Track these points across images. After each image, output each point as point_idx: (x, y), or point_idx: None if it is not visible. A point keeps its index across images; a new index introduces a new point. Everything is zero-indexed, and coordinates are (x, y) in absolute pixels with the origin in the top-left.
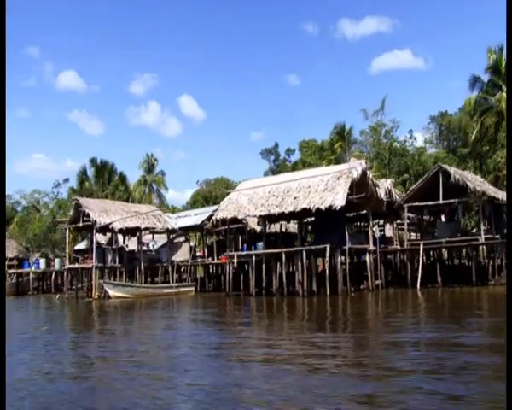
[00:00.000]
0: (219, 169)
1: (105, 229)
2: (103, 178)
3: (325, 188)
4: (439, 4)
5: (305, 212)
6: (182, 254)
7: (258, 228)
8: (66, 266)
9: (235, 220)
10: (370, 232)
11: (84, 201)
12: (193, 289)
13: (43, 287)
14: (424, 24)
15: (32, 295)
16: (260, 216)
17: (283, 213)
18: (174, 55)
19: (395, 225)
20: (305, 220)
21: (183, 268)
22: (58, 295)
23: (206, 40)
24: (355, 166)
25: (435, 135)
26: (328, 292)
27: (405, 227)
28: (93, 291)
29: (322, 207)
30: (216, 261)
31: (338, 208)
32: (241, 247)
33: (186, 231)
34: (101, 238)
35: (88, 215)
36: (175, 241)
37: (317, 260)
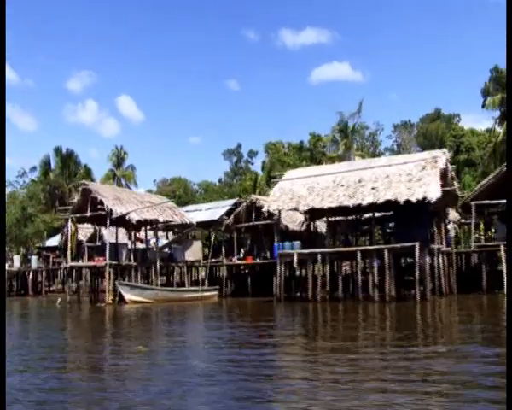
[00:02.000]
0: (160, 170)
1: (119, 221)
2: (69, 170)
3: (410, 178)
4: (377, 21)
5: (385, 205)
6: (192, 254)
7: (291, 226)
8: (68, 264)
9: (260, 216)
10: (443, 231)
11: (94, 186)
12: (217, 293)
13: (17, 288)
14: (363, 39)
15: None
16: (330, 209)
17: (360, 205)
18: (113, 55)
19: (453, 225)
20: (363, 216)
21: (196, 269)
22: (59, 300)
23: (147, 41)
24: (438, 156)
25: (396, 144)
26: (418, 297)
27: (472, 226)
28: (106, 295)
29: (413, 200)
30: (238, 262)
31: (433, 201)
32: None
33: (200, 227)
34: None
35: (100, 203)
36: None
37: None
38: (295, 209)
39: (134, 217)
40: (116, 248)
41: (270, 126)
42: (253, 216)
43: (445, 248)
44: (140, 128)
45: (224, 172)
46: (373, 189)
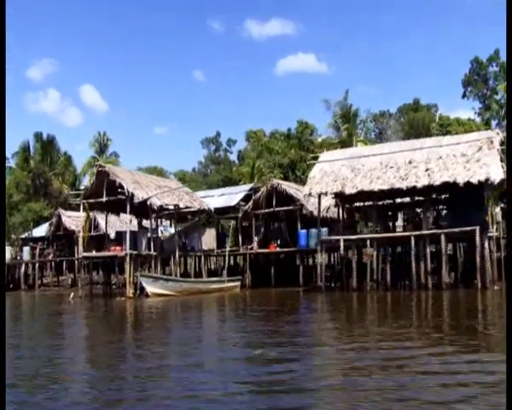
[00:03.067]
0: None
1: (139, 207)
2: (51, 157)
3: (467, 159)
4: (341, 13)
5: (441, 187)
6: (205, 242)
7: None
8: (80, 255)
9: (282, 202)
10: (490, 217)
11: (112, 168)
12: (239, 284)
13: (7, 282)
14: (327, 31)
15: None
16: (381, 191)
17: (414, 187)
18: (76, 43)
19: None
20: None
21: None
22: (72, 295)
23: (110, 30)
24: (493, 136)
25: (375, 133)
26: (479, 286)
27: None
28: (127, 288)
29: (474, 181)
30: (259, 250)
31: (496, 182)
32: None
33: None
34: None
35: (119, 187)
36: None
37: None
38: (341, 192)
39: (156, 202)
40: (135, 235)
41: (236, 117)
42: (274, 202)
43: (494, 234)
44: (104, 118)
45: (198, 161)
46: (427, 170)
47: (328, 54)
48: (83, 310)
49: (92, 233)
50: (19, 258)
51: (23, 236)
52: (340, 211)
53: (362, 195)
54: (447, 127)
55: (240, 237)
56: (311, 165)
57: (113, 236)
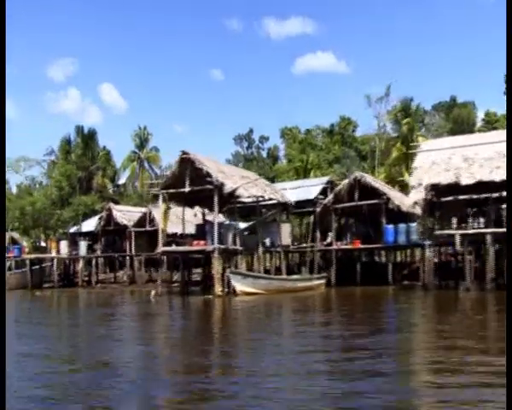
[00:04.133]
0: None
1: (226, 198)
2: (92, 151)
3: None
4: (361, 10)
5: None
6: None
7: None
8: (159, 249)
9: (365, 196)
10: None
11: (197, 156)
12: (324, 282)
13: (63, 278)
14: (347, 29)
15: (45, 289)
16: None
17: None
18: (95, 42)
19: None
20: None
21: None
22: (153, 293)
23: (129, 30)
24: None
25: None
26: None
27: None
28: (215, 285)
29: None
30: (344, 247)
31: None
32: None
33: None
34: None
35: (207, 176)
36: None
37: None
38: (456, 182)
39: (243, 193)
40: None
41: (255, 115)
42: (357, 195)
43: None
44: (123, 116)
45: (226, 159)
46: None
47: (348, 52)
48: (177, 310)
49: (147, 228)
50: (74, 253)
51: (72, 230)
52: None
53: (451, 188)
54: (494, 123)
55: (318, 233)
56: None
57: (190, 230)
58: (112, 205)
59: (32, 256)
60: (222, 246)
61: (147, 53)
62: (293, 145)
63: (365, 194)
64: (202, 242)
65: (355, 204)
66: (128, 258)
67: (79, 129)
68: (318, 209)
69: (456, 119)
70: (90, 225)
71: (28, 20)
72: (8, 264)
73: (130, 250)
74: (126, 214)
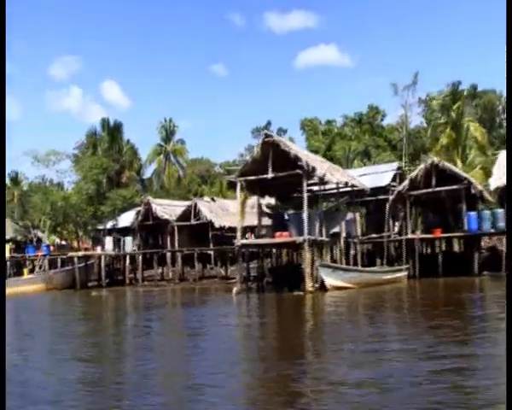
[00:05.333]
0: None
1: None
2: (120, 145)
3: None
4: (364, 2)
5: None
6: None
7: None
8: (239, 242)
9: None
10: None
11: (282, 139)
12: (406, 274)
13: (111, 276)
14: (350, 21)
15: (92, 289)
16: None
17: None
18: (97, 39)
19: None
20: None
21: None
22: (235, 289)
23: (131, 26)
24: None
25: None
26: None
27: None
28: (306, 281)
29: None
30: (423, 236)
31: None
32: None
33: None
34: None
35: (296, 160)
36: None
37: None
38: None
39: (331, 179)
40: (299, 217)
41: (258, 110)
42: (434, 181)
43: None
44: (126, 114)
45: (239, 153)
46: None
47: (351, 45)
48: (286, 311)
49: (192, 222)
50: (116, 250)
51: (108, 226)
52: None
53: None
54: None
55: (391, 222)
56: None
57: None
58: (151, 199)
59: (80, 254)
60: (311, 237)
61: (149, 50)
62: (314, 137)
63: (442, 180)
64: (285, 233)
65: (432, 190)
66: (177, 254)
67: (105, 121)
68: (391, 197)
69: (486, 106)
70: (123, 220)
71: (30, 19)
72: (40, 262)
73: (173, 245)
74: (167, 208)
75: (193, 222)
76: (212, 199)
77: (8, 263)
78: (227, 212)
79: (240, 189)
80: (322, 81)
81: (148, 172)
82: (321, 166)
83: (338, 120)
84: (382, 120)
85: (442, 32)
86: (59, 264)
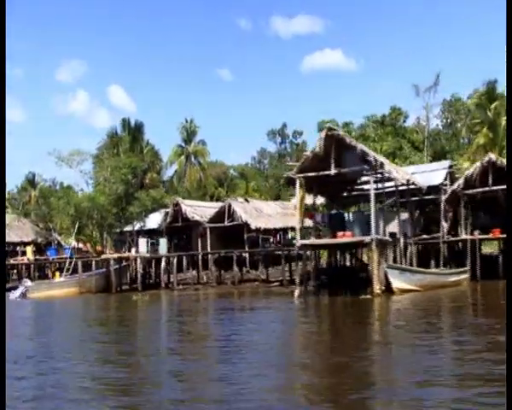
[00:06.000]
0: None
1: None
2: (141, 145)
3: None
4: (370, 7)
5: None
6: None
7: None
8: (298, 243)
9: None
10: None
11: (344, 134)
12: (468, 276)
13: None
14: (356, 25)
15: (128, 292)
16: None
17: None
18: (103, 43)
19: None
20: None
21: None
22: (297, 292)
23: (137, 31)
24: None
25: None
26: None
27: None
28: (374, 283)
29: None
30: (480, 236)
31: None
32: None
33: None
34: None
35: (363, 155)
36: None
37: None
38: None
39: (397, 176)
40: (362, 216)
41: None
42: (490, 180)
43: None
44: (132, 118)
45: (251, 156)
46: None
47: (357, 48)
48: (349, 317)
49: (226, 223)
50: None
51: (137, 227)
52: None
53: None
54: None
55: (443, 222)
56: None
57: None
58: (180, 199)
59: (115, 256)
60: (378, 236)
61: (155, 54)
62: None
63: (499, 178)
64: (348, 233)
65: (489, 189)
66: (211, 256)
67: (126, 121)
68: (445, 196)
69: None
70: (150, 221)
71: (36, 23)
72: (68, 265)
73: (204, 248)
74: (197, 209)
75: (227, 223)
76: (246, 200)
77: (31, 266)
78: (261, 213)
79: (299, 186)
80: (328, 85)
81: (168, 174)
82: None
83: (355, 122)
84: (405, 121)
85: (449, 34)
86: (93, 266)
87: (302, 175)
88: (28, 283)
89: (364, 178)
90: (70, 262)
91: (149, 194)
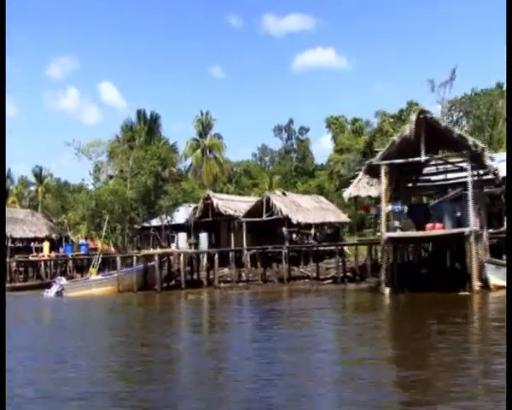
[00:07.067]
0: None
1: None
2: (156, 138)
3: None
4: (362, 6)
5: None
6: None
7: None
8: (384, 235)
9: None
10: None
11: (437, 117)
12: None
13: (190, 277)
14: (347, 24)
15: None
16: None
17: None
18: (94, 40)
19: None
20: None
21: None
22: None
23: (128, 27)
24: None
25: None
26: None
27: None
28: (473, 279)
29: None
30: None
31: None
32: None
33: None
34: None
35: (459, 140)
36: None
37: None
38: None
39: (492, 164)
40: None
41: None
42: None
43: None
44: (123, 116)
45: (252, 153)
46: None
47: (348, 48)
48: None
49: (264, 218)
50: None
51: (165, 222)
52: None
53: None
54: None
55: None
56: None
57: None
58: (211, 193)
59: (160, 251)
60: (476, 228)
61: (146, 51)
62: (342, 134)
63: None
64: (438, 225)
65: None
66: (248, 252)
67: (141, 113)
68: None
69: None
70: (178, 216)
71: (28, 19)
72: (93, 261)
73: (238, 243)
74: (230, 203)
75: (265, 218)
76: (283, 193)
77: (51, 263)
78: (300, 207)
79: (384, 174)
80: (320, 83)
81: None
82: None
83: (363, 118)
84: None
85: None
86: (134, 262)
87: (387, 162)
88: (63, 281)
89: (427, 169)
90: (97, 259)
91: (179, 187)
